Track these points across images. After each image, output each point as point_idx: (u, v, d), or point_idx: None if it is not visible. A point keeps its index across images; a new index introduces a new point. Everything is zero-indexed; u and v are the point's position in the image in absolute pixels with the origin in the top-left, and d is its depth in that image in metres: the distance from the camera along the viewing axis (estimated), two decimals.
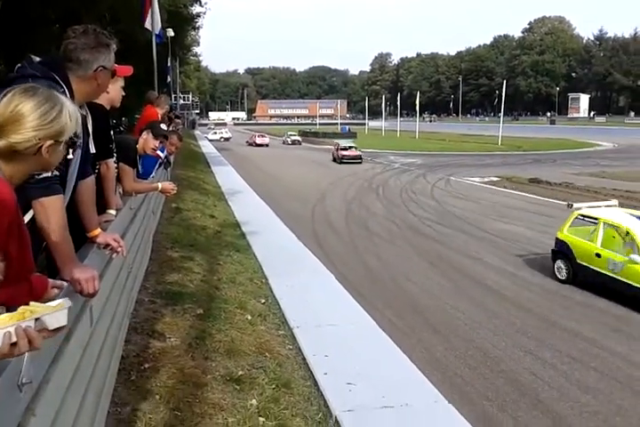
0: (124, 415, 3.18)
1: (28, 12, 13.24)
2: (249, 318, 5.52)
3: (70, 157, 2.24)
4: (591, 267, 9.45)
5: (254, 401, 3.81)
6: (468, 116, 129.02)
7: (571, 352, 7.03)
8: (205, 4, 29.73)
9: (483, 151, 44.40)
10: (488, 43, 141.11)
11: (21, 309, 1.34)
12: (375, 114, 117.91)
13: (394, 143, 54.20)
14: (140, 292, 5.20)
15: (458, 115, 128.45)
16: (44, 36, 14.24)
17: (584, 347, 7.24)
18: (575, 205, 10.55)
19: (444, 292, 9.54)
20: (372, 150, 45.16)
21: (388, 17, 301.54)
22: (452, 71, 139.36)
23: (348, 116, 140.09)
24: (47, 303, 1.42)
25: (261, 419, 3.62)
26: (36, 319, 1.32)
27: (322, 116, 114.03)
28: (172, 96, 31.96)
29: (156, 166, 5.65)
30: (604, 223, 9.50)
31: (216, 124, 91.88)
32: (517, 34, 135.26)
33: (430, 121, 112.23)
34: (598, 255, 9.32)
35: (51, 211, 2.05)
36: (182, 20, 28.27)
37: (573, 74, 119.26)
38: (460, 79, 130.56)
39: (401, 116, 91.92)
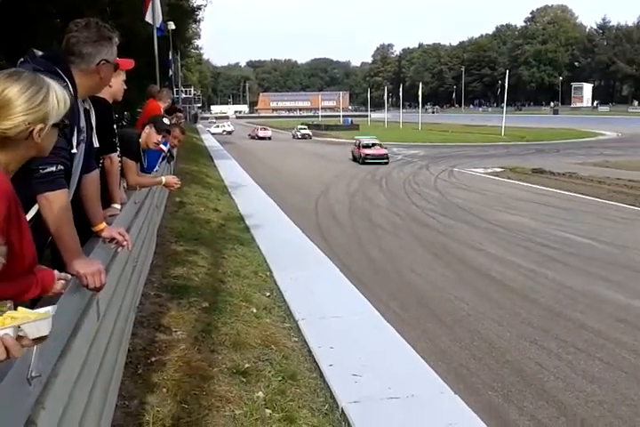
0: (132, 409, 3.20)
1: (29, 6, 13.20)
2: (254, 310, 5.53)
3: (74, 151, 2.24)
4: None
5: (261, 393, 3.83)
6: (471, 106, 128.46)
7: (576, 342, 7.03)
8: None
9: (486, 142, 44.30)
10: (490, 32, 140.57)
11: (5, 314, 1.29)
12: (377, 105, 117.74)
13: (396, 135, 54.03)
14: (146, 285, 5.22)
15: (460, 105, 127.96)
16: (45, 30, 14.21)
17: (589, 337, 7.23)
18: None
19: (448, 283, 9.53)
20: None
21: (390, 8, 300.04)
22: (454, 62, 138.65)
23: (350, 108, 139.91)
24: (36, 310, 1.38)
25: (268, 411, 3.64)
26: (18, 326, 1.27)
27: (324, 109, 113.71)
28: (174, 90, 31.88)
29: (160, 160, 5.64)
30: None
31: (218, 118, 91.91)
32: (520, 23, 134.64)
33: (433, 112, 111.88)
34: None
35: (56, 205, 2.06)
36: (183, 13, 28.21)
37: (576, 63, 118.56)
38: (463, 70, 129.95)
39: (403, 107, 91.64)
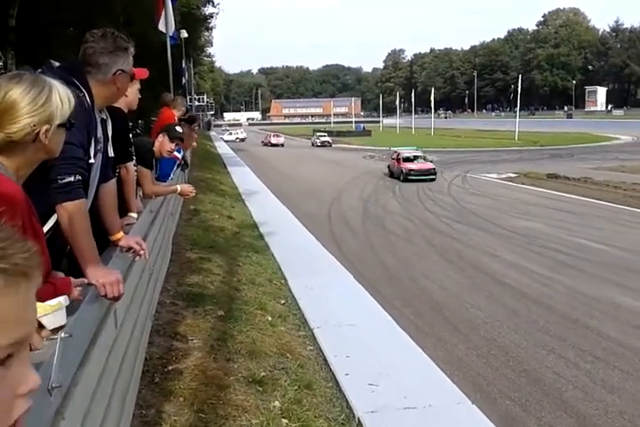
0: (149, 418, 3.19)
1: (43, 16, 13.38)
2: (269, 318, 5.52)
3: (92, 161, 2.25)
4: None
5: (277, 403, 3.80)
6: (484, 111, 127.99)
7: (594, 351, 6.94)
8: (218, 4, 29.91)
9: (499, 147, 44.09)
10: (502, 37, 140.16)
11: None
12: (389, 111, 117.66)
13: (409, 140, 53.85)
14: (162, 293, 5.22)
15: (473, 110, 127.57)
16: (58, 39, 14.39)
17: (607, 345, 7.14)
18: None
19: (462, 289, 9.47)
20: (387, 148, 45.03)
21: (401, 13, 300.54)
22: (466, 66, 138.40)
23: (362, 113, 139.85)
24: (46, 302, 1.40)
25: (285, 421, 3.62)
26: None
27: (336, 115, 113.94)
28: (188, 97, 32.10)
29: (175, 168, 5.67)
30: None
31: (231, 125, 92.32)
32: (532, 27, 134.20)
33: (445, 117, 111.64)
34: None
35: (74, 215, 2.06)
36: (195, 21, 28.44)
37: (590, 66, 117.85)
38: (475, 74, 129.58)
39: (415, 112, 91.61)
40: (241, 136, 62.63)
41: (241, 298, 5.94)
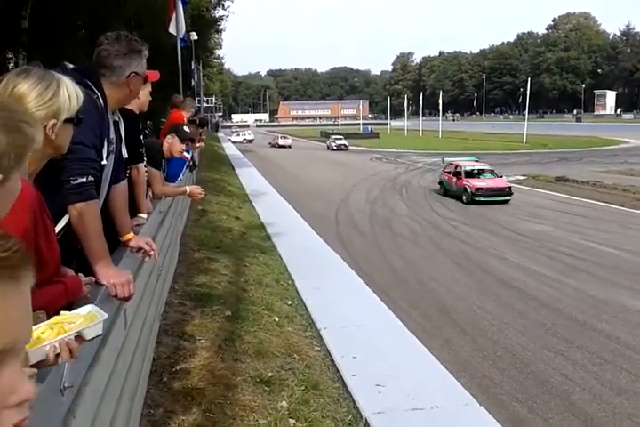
0: (157, 417, 3.22)
1: (55, 18, 13.48)
2: (276, 319, 5.53)
3: (104, 162, 2.28)
4: None
5: (284, 403, 3.82)
6: (492, 114, 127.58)
7: (602, 353, 6.92)
8: (228, 7, 30.00)
9: (507, 150, 43.96)
10: (512, 40, 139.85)
11: (56, 319, 1.37)
12: (397, 114, 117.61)
13: (417, 143, 53.91)
14: (170, 293, 5.26)
15: (481, 113, 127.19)
16: (70, 41, 14.49)
17: (615, 348, 7.11)
18: None
19: (470, 292, 9.46)
20: (394, 150, 45.06)
21: (410, 16, 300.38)
22: (475, 69, 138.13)
23: (370, 116, 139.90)
24: (75, 311, 1.45)
25: (292, 421, 3.63)
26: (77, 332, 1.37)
27: (344, 117, 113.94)
28: (197, 99, 32.21)
29: (184, 169, 5.71)
30: None
31: (239, 127, 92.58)
32: (542, 31, 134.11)
33: (453, 120, 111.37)
34: None
35: (86, 216, 2.08)
36: (205, 24, 28.52)
37: (599, 70, 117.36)
38: (484, 77, 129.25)
39: (424, 115, 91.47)
40: (249, 137, 62.76)
41: (248, 298, 5.97)
